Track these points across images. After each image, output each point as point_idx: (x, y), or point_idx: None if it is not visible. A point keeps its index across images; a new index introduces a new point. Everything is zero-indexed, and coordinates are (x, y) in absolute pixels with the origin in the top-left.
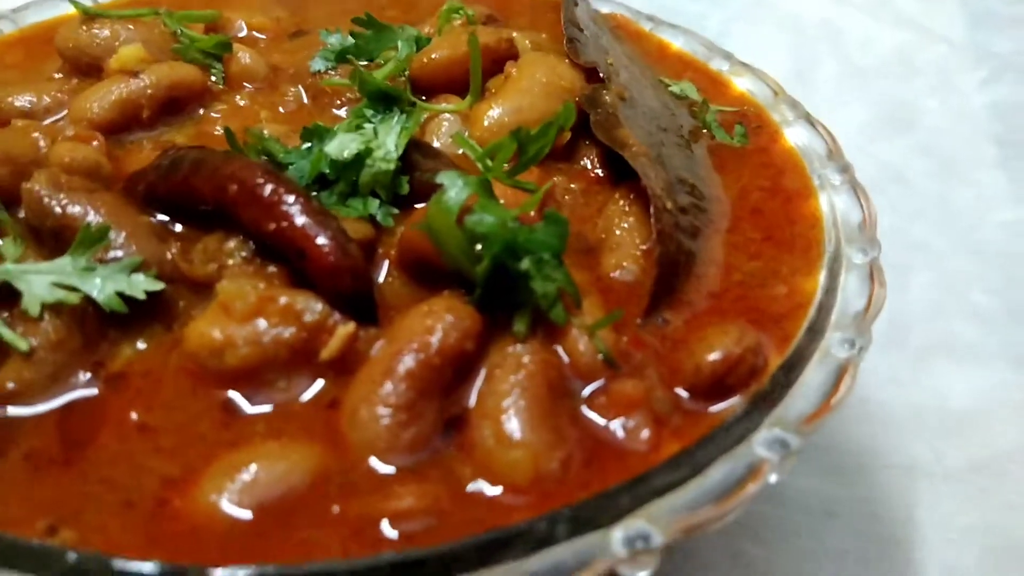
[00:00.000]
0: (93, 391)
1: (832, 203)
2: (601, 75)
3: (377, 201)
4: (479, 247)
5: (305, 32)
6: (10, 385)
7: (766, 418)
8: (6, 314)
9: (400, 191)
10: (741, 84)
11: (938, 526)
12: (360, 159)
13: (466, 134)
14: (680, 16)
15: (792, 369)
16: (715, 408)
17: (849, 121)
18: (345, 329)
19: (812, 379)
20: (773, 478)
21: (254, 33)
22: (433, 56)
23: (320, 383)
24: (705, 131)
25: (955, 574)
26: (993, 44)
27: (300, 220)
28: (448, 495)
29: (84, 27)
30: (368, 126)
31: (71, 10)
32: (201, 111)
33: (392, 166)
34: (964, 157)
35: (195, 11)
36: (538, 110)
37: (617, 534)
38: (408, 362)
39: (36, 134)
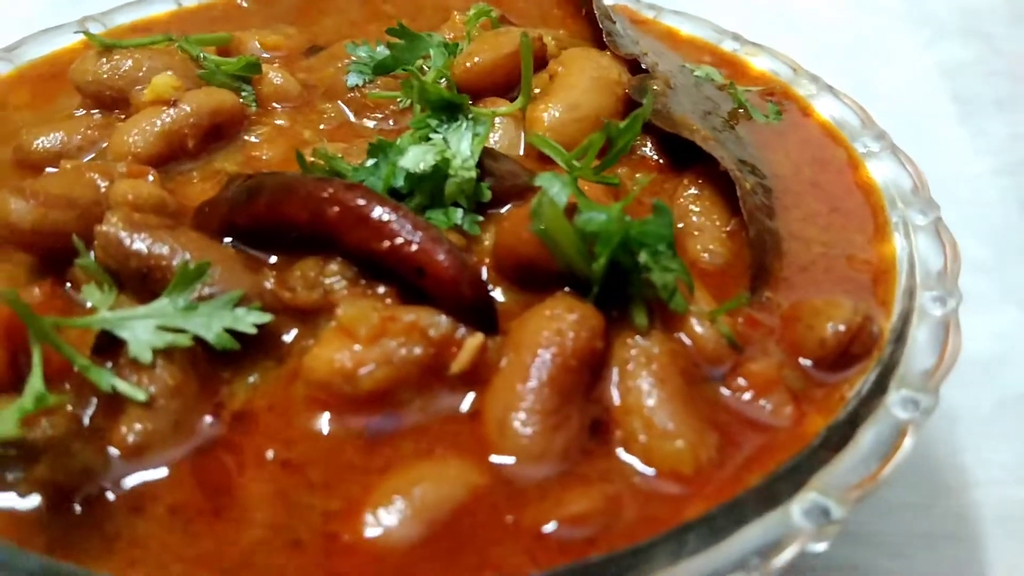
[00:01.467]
0: (219, 433)
1: (881, 170)
2: (643, 66)
3: (460, 211)
4: (590, 245)
5: (319, 47)
6: (132, 438)
7: (892, 381)
8: (110, 364)
9: (482, 199)
10: (759, 64)
11: (985, 465)
12: (437, 170)
13: (522, 134)
14: None
15: (902, 332)
16: (841, 376)
17: None
18: (474, 341)
19: (921, 338)
20: (911, 441)
21: (264, 54)
22: (476, 60)
23: (456, 396)
24: (741, 111)
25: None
26: (929, 6)
27: (415, 237)
28: (617, 494)
29: (102, 60)
30: (435, 136)
31: (67, 43)
32: (245, 136)
33: (473, 174)
34: (926, 118)
35: (208, 35)
36: (592, 105)
37: (796, 509)
38: (546, 367)
39: (92, 174)
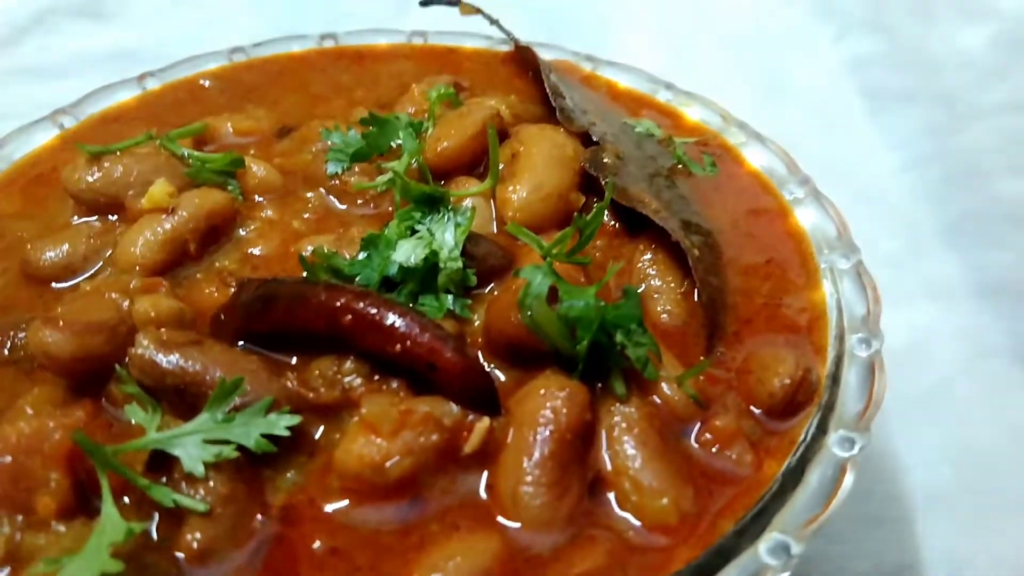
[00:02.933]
0: (270, 530)
1: (808, 216)
2: (595, 139)
3: (450, 297)
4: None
5: (289, 127)
6: (196, 545)
7: (831, 422)
8: (164, 479)
9: (469, 284)
10: (692, 114)
11: (914, 449)
12: (426, 261)
13: (493, 212)
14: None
15: (836, 375)
16: (789, 423)
17: (734, 97)
18: (483, 424)
19: (852, 380)
20: (851, 476)
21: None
22: (445, 144)
23: (471, 474)
24: (680, 167)
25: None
26: (835, 2)
27: (424, 338)
28: (618, 550)
29: (93, 168)
30: (420, 227)
31: (45, 139)
32: (241, 231)
33: (460, 264)
34: (838, 115)
35: (185, 128)
36: (554, 183)
37: (763, 549)
38: (547, 442)
39: (112, 295)
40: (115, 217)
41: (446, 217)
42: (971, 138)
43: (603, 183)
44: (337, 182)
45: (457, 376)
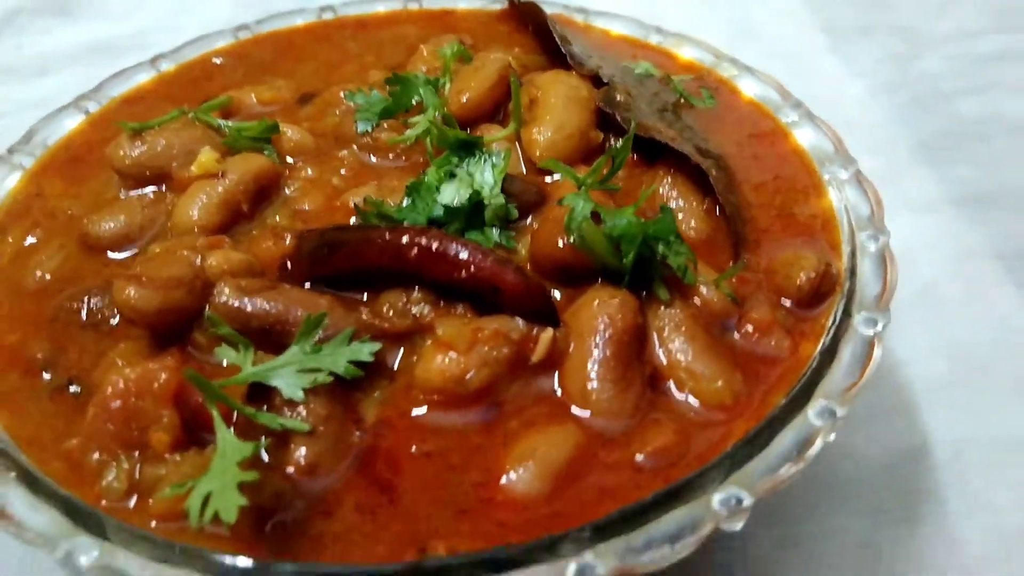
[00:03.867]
0: (367, 442)
1: (806, 137)
2: (604, 79)
3: (495, 230)
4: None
5: (310, 94)
6: (304, 461)
7: (854, 306)
8: (265, 408)
9: (511, 217)
10: (685, 53)
11: (909, 347)
12: (469, 201)
13: (519, 155)
14: None
15: (853, 267)
16: (817, 310)
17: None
18: (547, 335)
19: (867, 269)
20: (879, 350)
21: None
22: (467, 96)
23: (539, 380)
24: (683, 101)
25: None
26: None
27: (487, 263)
28: (684, 428)
29: (136, 143)
30: (459, 171)
31: (73, 125)
32: (286, 190)
33: (503, 199)
34: (803, 52)
35: (213, 102)
36: (574, 123)
37: (812, 414)
38: (606, 345)
39: (183, 252)
40: (163, 187)
41: (482, 159)
42: (929, 64)
43: (619, 119)
44: (368, 139)
45: (519, 295)
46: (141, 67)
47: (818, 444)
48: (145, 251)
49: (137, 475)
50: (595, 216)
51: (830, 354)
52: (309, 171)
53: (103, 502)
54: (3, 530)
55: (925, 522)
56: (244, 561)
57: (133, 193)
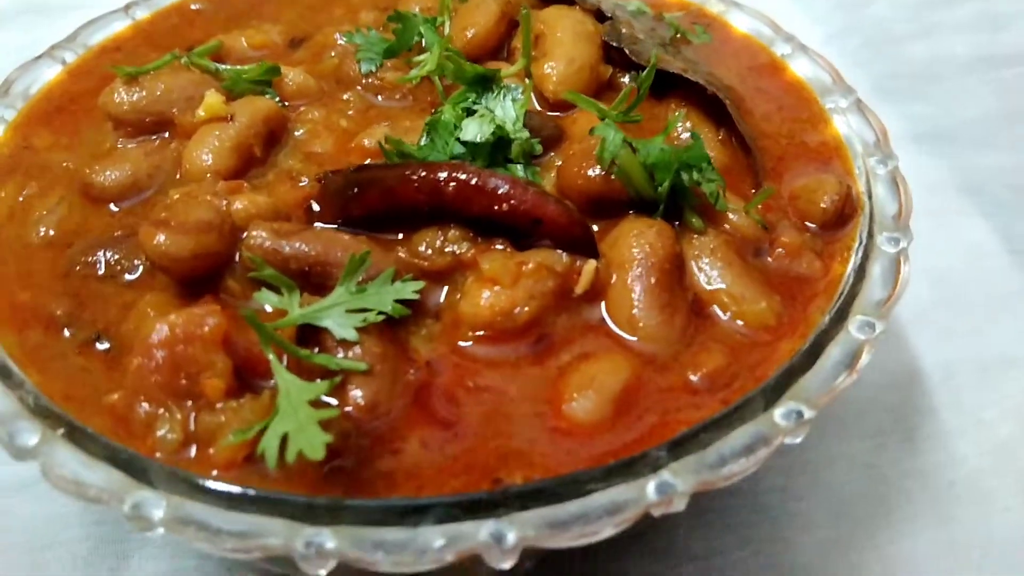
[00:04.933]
0: (423, 379)
1: (803, 68)
2: (607, 15)
3: (519, 166)
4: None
5: (300, 38)
6: (364, 401)
7: (875, 228)
8: (317, 349)
9: (535, 152)
10: None
11: None
12: (493, 136)
13: (528, 91)
14: None
15: (869, 191)
16: (841, 232)
17: None
18: (590, 266)
19: (880, 192)
20: (906, 268)
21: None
22: (472, 32)
23: (584, 311)
24: (679, 36)
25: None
26: None
27: (528, 196)
28: (733, 349)
29: (134, 89)
30: (477, 106)
31: (51, 76)
32: (296, 133)
33: (527, 134)
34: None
35: (204, 46)
36: (584, 56)
37: (853, 328)
38: (649, 273)
39: (209, 197)
40: (166, 134)
41: (501, 94)
42: (878, 9)
43: (627, 52)
44: (373, 80)
45: (562, 226)
46: (115, 15)
47: (866, 356)
48: (153, 200)
49: (192, 425)
50: (627, 146)
51: (861, 273)
52: (316, 113)
53: (157, 454)
54: (61, 490)
55: (924, 440)
56: (331, 500)
57: (132, 141)
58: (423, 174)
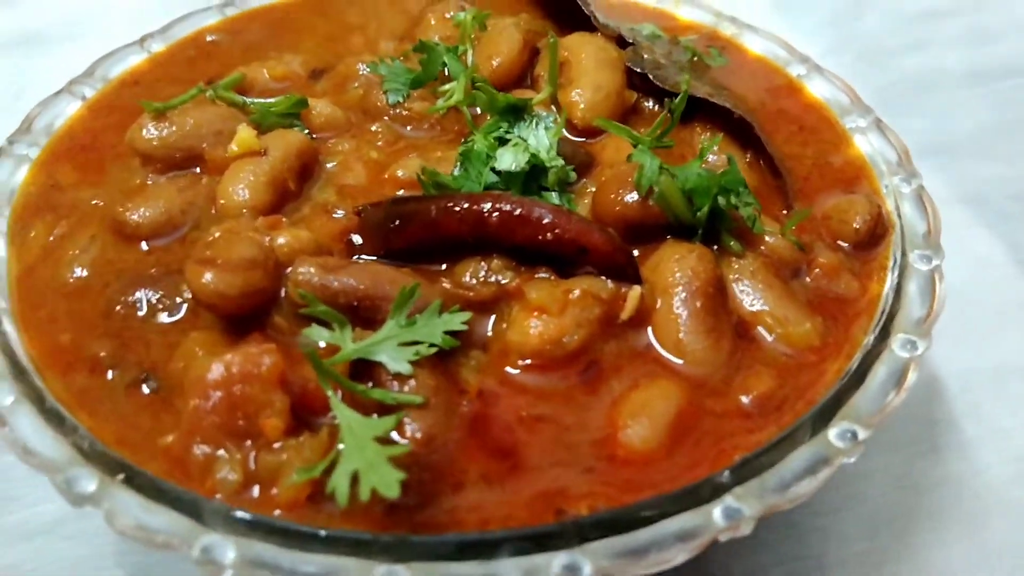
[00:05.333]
0: (476, 411)
1: (820, 89)
2: (628, 40)
3: (556, 193)
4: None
5: (322, 70)
6: (419, 435)
7: (907, 246)
8: (370, 383)
9: (569, 180)
10: (684, 14)
11: None
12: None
13: (562, 118)
14: None
15: (898, 210)
16: (874, 252)
17: None
18: (635, 292)
19: (907, 210)
20: (941, 287)
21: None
22: (498, 61)
23: (630, 337)
24: (696, 60)
25: None
26: None
27: (573, 225)
28: (781, 372)
29: (162, 124)
30: (510, 135)
31: (71, 111)
32: (328, 166)
33: (562, 162)
34: (748, 18)
35: (227, 79)
36: (609, 83)
37: (896, 345)
38: (694, 298)
39: (251, 234)
40: (198, 169)
41: (533, 123)
42: (869, 24)
43: (652, 77)
44: (401, 111)
45: (607, 254)
46: (130, 48)
47: (912, 374)
48: (189, 236)
49: (252, 465)
50: (666, 172)
51: (899, 292)
52: (345, 145)
53: (217, 496)
54: (130, 536)
55: (948, 451)
56: (401, 537)
57: (162, 177)
58: (466, 206)
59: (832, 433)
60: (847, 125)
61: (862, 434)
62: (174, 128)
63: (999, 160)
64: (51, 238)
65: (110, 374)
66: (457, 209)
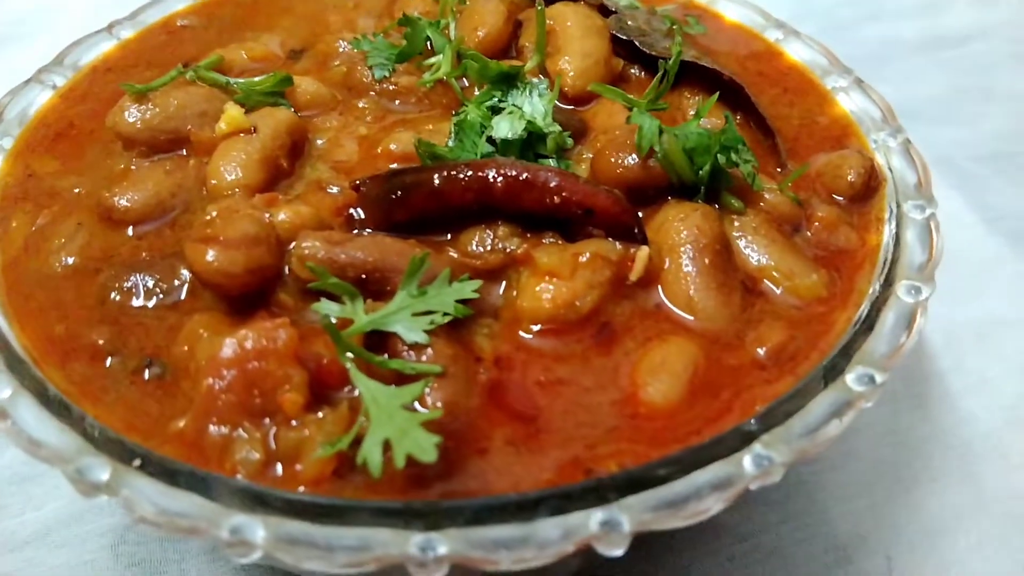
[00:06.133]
0: (493, 377)
1: (799, 52)
2: (611, 8)
3: (553, 159)
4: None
5: (301, 49)
6: (441, 403)
7: (900, 197)
8: (385, 355)
9: (566, 146)
10: None
11: None
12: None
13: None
14: None
15: (888, 163)
16: (868, 204)
17: None
18: (643, 253)
19: (896, 164)
20: (938, 236)
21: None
22: (486, 32)
23: (639, 297)
24: (675, 27)
25: None
26: None
27: (578, 188)
28: (791, 324)
29: (145, 106)
30: (504, 104)
31: (43, 101)
32: (317, 143)
33: (558, 127)
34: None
35: (206, 60)
36: (597, 50)
37: (902, 291)
38: (703, 255)
39: (250, 211)
40: (183, 151)
41: (526, 90)
42: None
43: (638, 43)
44: (388, 85)
45: (614, 215)
46: (99, 36)
47: (921, 319)
48: (180, 219)
49: (272, 443)
50: (663, 132)
51: (898, 241)
52: (333, 122)
53: (239, 476)
54: (151, 524)
55: (936, 404)
56: (433, 504)
57: (146, 161)
58: (470, 173)
59: (850, 378)
60: (828, 85)
61: (879, 377)
62: (157, 110)
63: (960, 124)
64: (33, 228)
65: (110, 361)
66: (461, 177)
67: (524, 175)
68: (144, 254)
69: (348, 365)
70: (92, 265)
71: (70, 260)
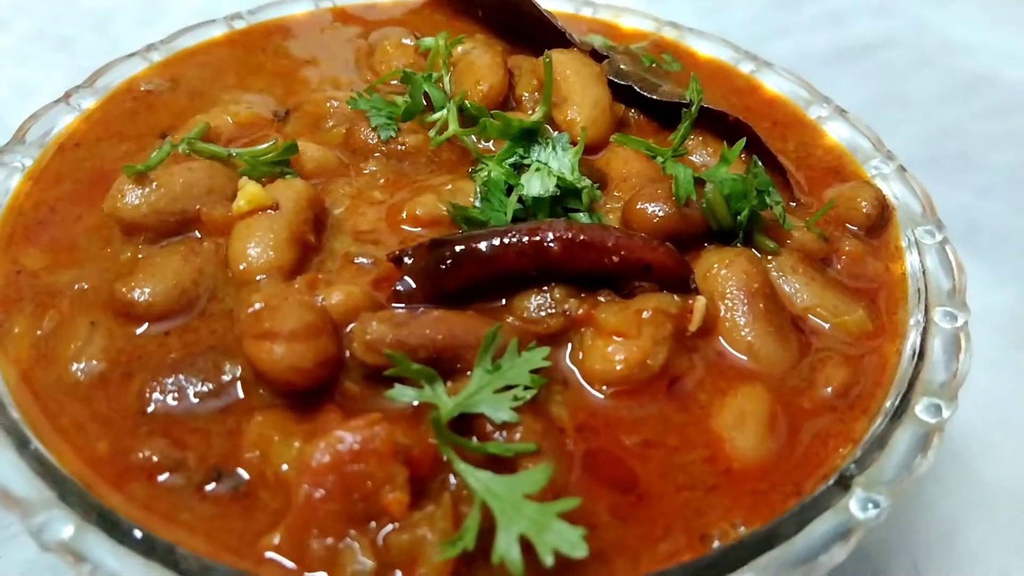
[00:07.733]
0: (578, 446)
1: (777, 84)
2: (603, 54)
3: (585, 213)
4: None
5: (287, 110)
6: (544, 480)
7: (911, 226)
8: (474, 438)
9: (597, 199)
10: (627, 23)
11: None
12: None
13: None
14: None
15: (893, 192)
16: (883, 235)
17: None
18: (701, 303)
19: (900, 193)
20: (953, 258)
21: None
22: (489, 85)
23: (700, 347)
24: (654, 66)
25: None
26: None
27: (636, 244)
28: (850, 361)
29: (147, 189)
30: (527, 160)
31: (13, 185)
32: (335, 212)
33: (589, 181)
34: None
35: (194, 130)
36: (602, 97)
37: (938, 318)
38: (756, 300)
39: (299, 297)
40: (197, 233)
41: (550, 146)
42: (733, 15)
43: (636, 88)
44: (396, 146)
45: (669, 268)
46: (56, 106)
47: (965, 343)
48: (207, 309)
49: (380, 546)
50: (697, 181)
51: (922, 269)
52: (345, 189)
53: None
54: None
55: None
56: None
57: (154, 247)
58: (526, 239)
59: (919, 409)
60: (813, 115)
61: (946, 409)
62: (163, 191)
63: (881, 133)
64: (39, 333)
65: (169, 477)
66: (516, 242)
67: (581, 236)
68: (172, 354)
69: (452, 456)
70: (120, 369)
71: (95, 365)
